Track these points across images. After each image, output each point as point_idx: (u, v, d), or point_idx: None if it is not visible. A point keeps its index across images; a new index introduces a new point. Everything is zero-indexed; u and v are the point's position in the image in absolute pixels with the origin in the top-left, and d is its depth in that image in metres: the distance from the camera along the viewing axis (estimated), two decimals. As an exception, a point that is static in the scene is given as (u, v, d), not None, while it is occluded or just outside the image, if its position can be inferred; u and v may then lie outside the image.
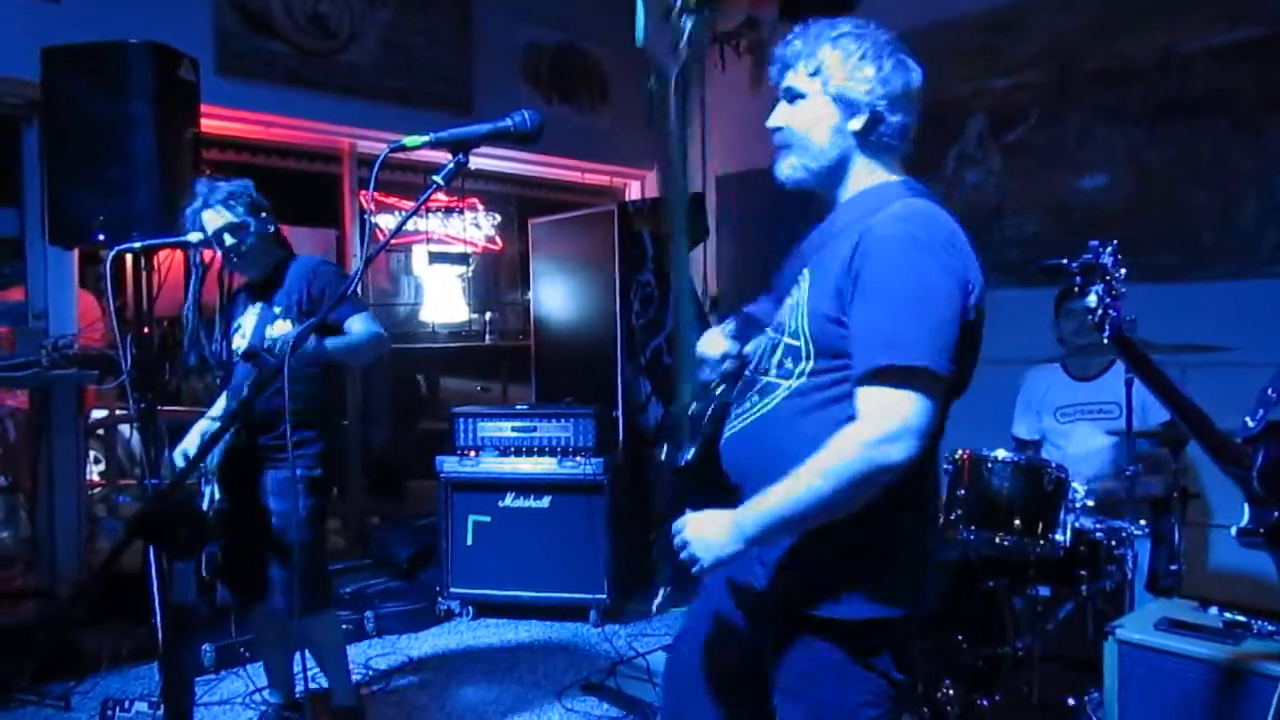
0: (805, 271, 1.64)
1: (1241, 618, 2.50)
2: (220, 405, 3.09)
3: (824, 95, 1.61)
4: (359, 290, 2.17)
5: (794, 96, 1.64)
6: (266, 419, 2.89)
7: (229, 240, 2.89)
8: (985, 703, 3.02)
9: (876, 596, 1.55)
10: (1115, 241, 1.71)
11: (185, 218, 2.92)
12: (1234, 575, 3.87)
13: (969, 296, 1.50)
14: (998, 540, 2.97)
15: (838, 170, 1.64)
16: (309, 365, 2.89)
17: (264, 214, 2.96)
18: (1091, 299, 1.70)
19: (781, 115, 1.66)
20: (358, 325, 2.89)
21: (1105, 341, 1.70)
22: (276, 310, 2.92)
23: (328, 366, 2.98)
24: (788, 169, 1.66)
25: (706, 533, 1.53)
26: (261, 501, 2.94)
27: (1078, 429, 3.63)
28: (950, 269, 1.47)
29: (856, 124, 1.60)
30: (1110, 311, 1.68)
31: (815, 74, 1.61)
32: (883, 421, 1.43)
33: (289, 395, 2.62)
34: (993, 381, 4.25)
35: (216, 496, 2.88)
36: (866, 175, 1.65)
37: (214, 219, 2.89)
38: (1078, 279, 1.72)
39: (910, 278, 1.46)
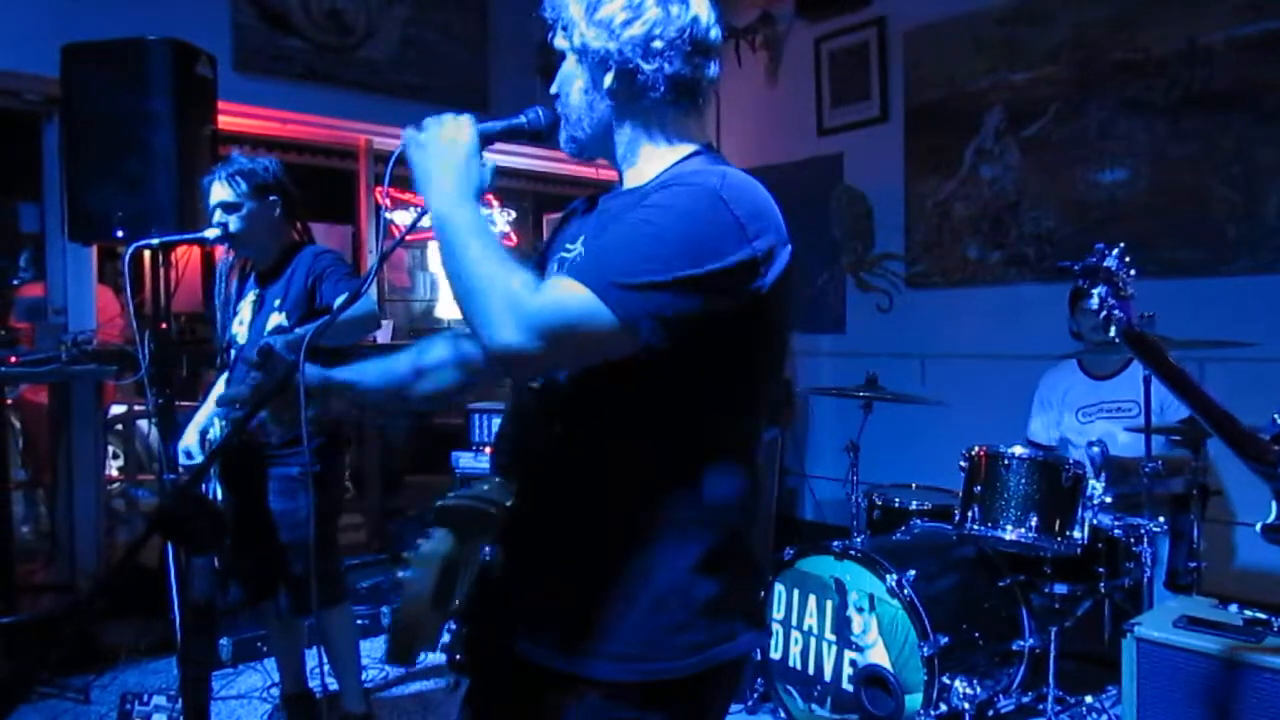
0: (579, 246, 1.42)
1: (1262, 615, 2.48)
2: (219, 392, 3.08)
3: (572, 52, 1.37)
4: (374, 284, 2.15)
5: (562, 58, 1.40)
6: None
7: (219, 217, 2.83)
8: (1001, 701, 3.01)
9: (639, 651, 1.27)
10: (1122, 244, 1.70)
11: (202, 185, 2.89)
12: (1257, 573, 3.85)
13: (755, 280, 1.23)
14: (1014, 537, 2.96)
15: (605, 141, 1.39)
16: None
17: (271, 197, 2.87)
18: (1094, 300, 1.68)
19: (556, 81, 1.43)
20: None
21: (1115, 341, 1.69)
22: (276, 303, 2.88)
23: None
24: (562, 142, 1.43)
25: (450, 135, 1.31)
26: (265, 499, 2.90)
27: (1097, 428, 3.61)
28: (729, 241, 1.20)
29: (609, 81, 1.34)
30: (1115, 312, 1.67)
31: (566, 29, 1.36)
32: (544, 306, 1.15)
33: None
34: (1008, 377, 4.31)
35: (219, 495, 2.88)
36: (646, 150, 1.38)
37: (217, 192, 2.84)
38: (1083, 280, 1.70)
39: (677, 219, 1.19)
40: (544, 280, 1.29)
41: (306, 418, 1.41)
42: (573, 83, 1.38)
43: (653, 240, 1.18)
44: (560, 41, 1.38)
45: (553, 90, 1.42)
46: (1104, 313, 1.66)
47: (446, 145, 1.30)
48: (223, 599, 3.39)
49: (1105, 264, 1.66)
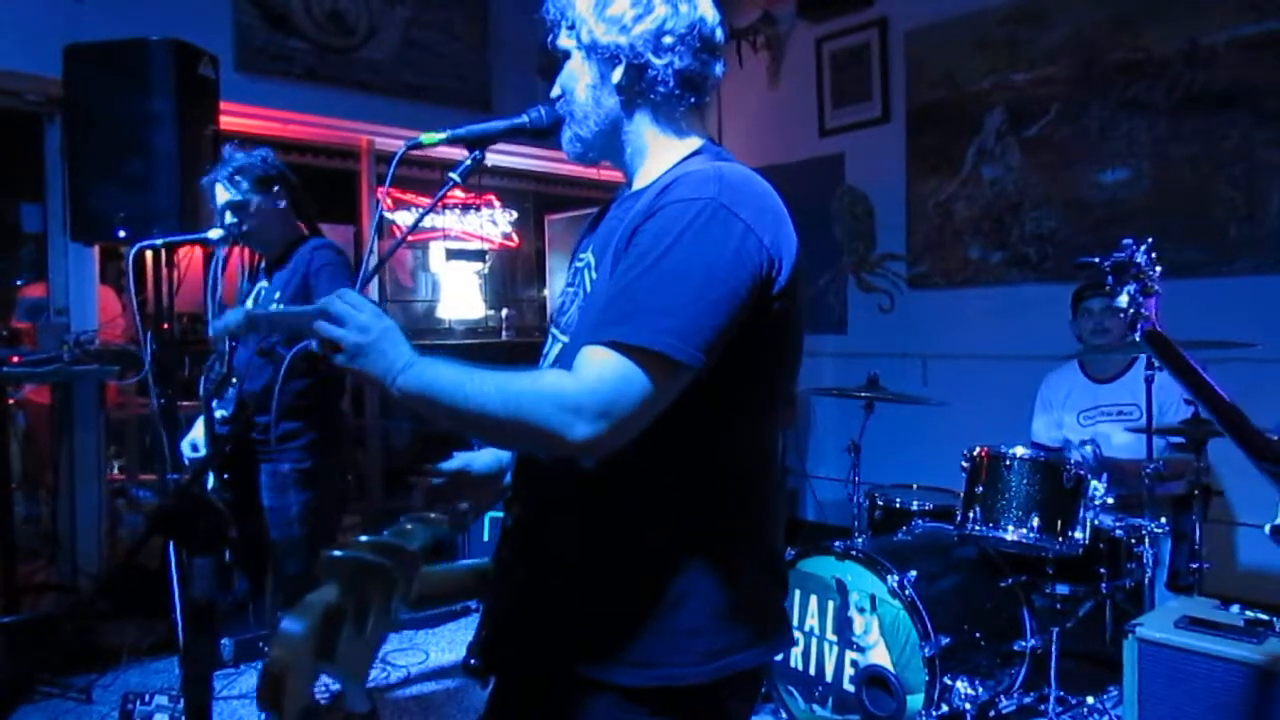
0: (590, 255, 1.40)
1: (1264, 616, 2.48)
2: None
3: (579, 49, 1.37)
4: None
5: (565, 58, 1.40)
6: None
7: (229, 218, 2.81)
8: (1003, 701, 3.01)
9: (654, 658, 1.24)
10: (1150, 239, 1.66)
11: (203, 186, 2.87)
12: (1259, 574, 3.85)
13: (771, 284, 1.24)
14: (1016, 537, 2.96)
15: (612, 137, 1.40)
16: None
17: (274, 188, 2.84)
18: (1123, 298, 1.63)
19: (558, 82, 1.43)
20: None
21: (1138, 340, 1.66)
22: (275, 296, 2.85)
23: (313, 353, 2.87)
24: (565, 142, 1.42)
25: (378, 341, 1.21)
26: (258, 495, 2.88)
27: (1098, 430, 3.61)
28: (745, 250, 1.20)
29: (618, 75, 1.35)
30: (1143, 310, 1.64)
31: (572, 27, 1.37)
32: (588, 389, 1.13)
33: (272, 386, 2.58)
34: (1010, 378, 4.31)
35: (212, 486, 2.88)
36: (656, 145, 1.39)
37: (220, 194, 2.83)
38: (1110, 278, 1.66)
39: (688, 245, 1.18)
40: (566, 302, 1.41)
41: None
42: (579, 80, 1.37)
43: (676, 277, 1.17)
44: (564, 41, 1.38)
45: (554, 93, 1.42)
46: (1132, 311, 1.62)
47: (375, 329, 1.21)
48: (225, 598, 3.39)
49: (1134, 259, 1.62)
